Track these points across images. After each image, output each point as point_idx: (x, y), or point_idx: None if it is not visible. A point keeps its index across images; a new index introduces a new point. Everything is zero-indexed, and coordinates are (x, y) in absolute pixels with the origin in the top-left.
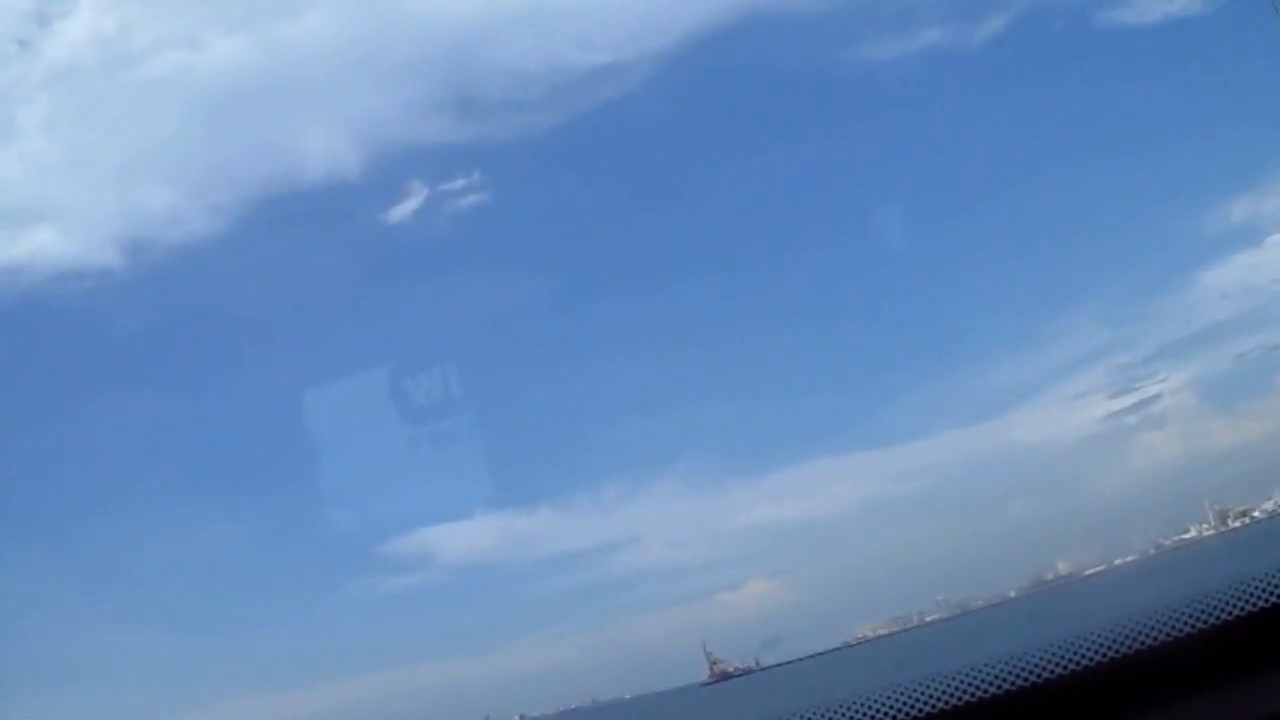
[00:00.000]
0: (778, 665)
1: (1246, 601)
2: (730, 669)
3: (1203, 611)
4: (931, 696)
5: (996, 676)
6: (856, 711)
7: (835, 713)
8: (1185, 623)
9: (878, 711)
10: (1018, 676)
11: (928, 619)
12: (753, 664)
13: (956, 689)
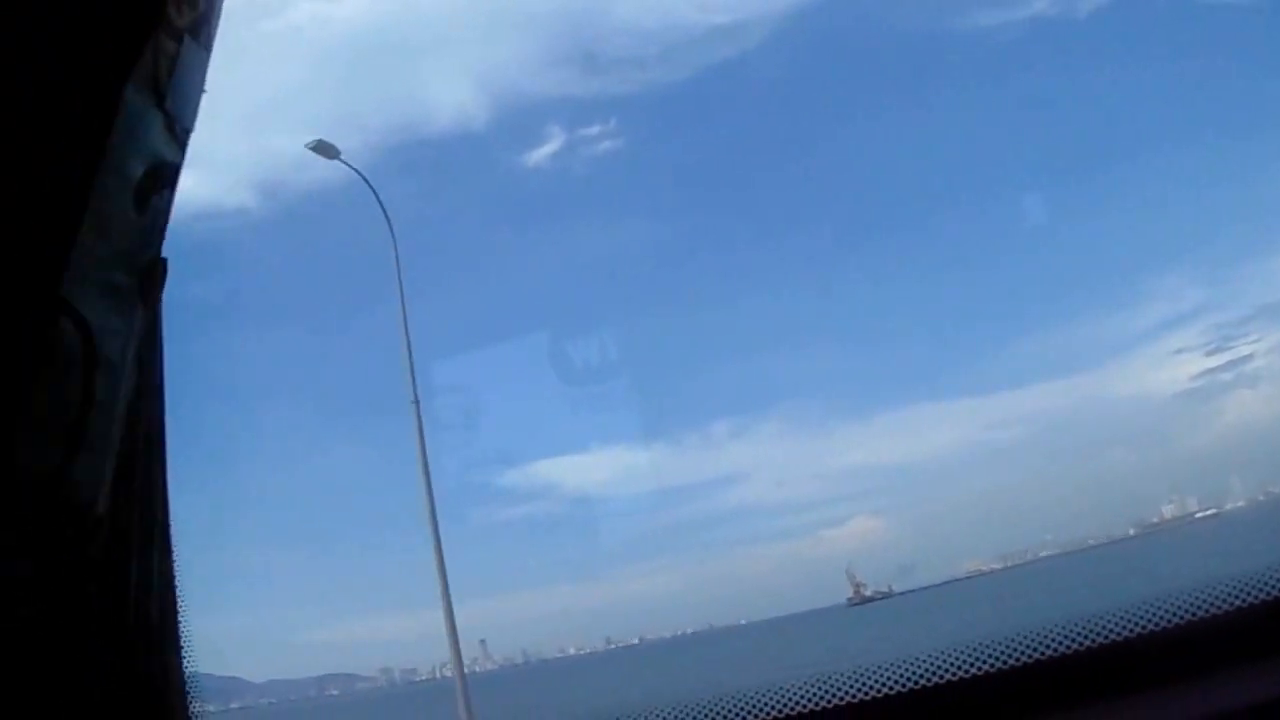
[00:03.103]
0: (908, 592)
1: None
2: (869, 593)
3: None
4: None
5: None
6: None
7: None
8: None
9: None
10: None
11: (1041, 555)
12: (887, 589)
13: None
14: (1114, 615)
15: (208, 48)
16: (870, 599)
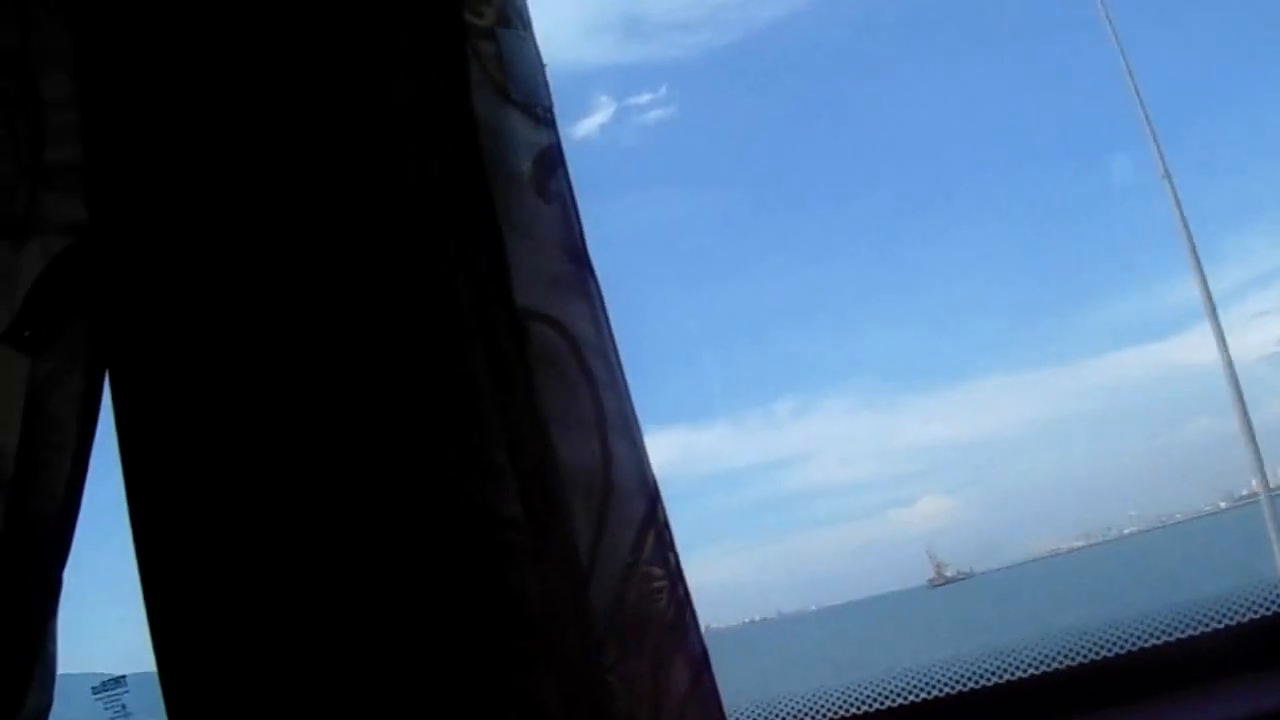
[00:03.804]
0: (990, 572)
1: None
2: (951, 574)
3: None
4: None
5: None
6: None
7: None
8: None
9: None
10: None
11: (1125, 531)
12: (969, 570)
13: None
14: (1209, 602)
15: (526, 27)
16: (952, 580)
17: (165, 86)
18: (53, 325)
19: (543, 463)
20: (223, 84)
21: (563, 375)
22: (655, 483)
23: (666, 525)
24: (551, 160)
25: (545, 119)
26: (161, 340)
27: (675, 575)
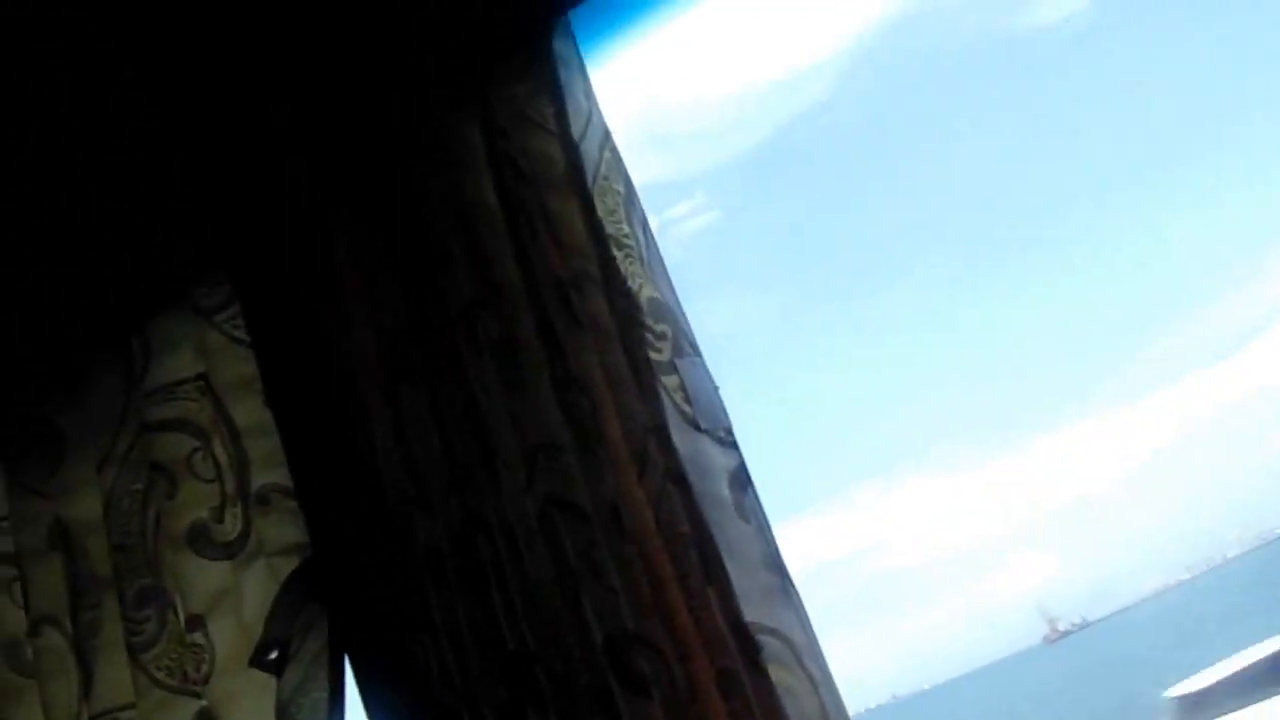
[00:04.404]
0: (1103, 619)
1: None
2: (1064, 627)
3: None
4: None
5: None
6: None
7: None
8: None
9: None
10: None
11: (1229, 555)
12: (1081, 620)
13: None
14: None
15: (697, 353)
16: (1067, 633)
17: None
18: (294, 642)
19: None
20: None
21: (790, 678)
22: None
23: None
24: (742, 480)
25: (729, 441)
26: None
27: None
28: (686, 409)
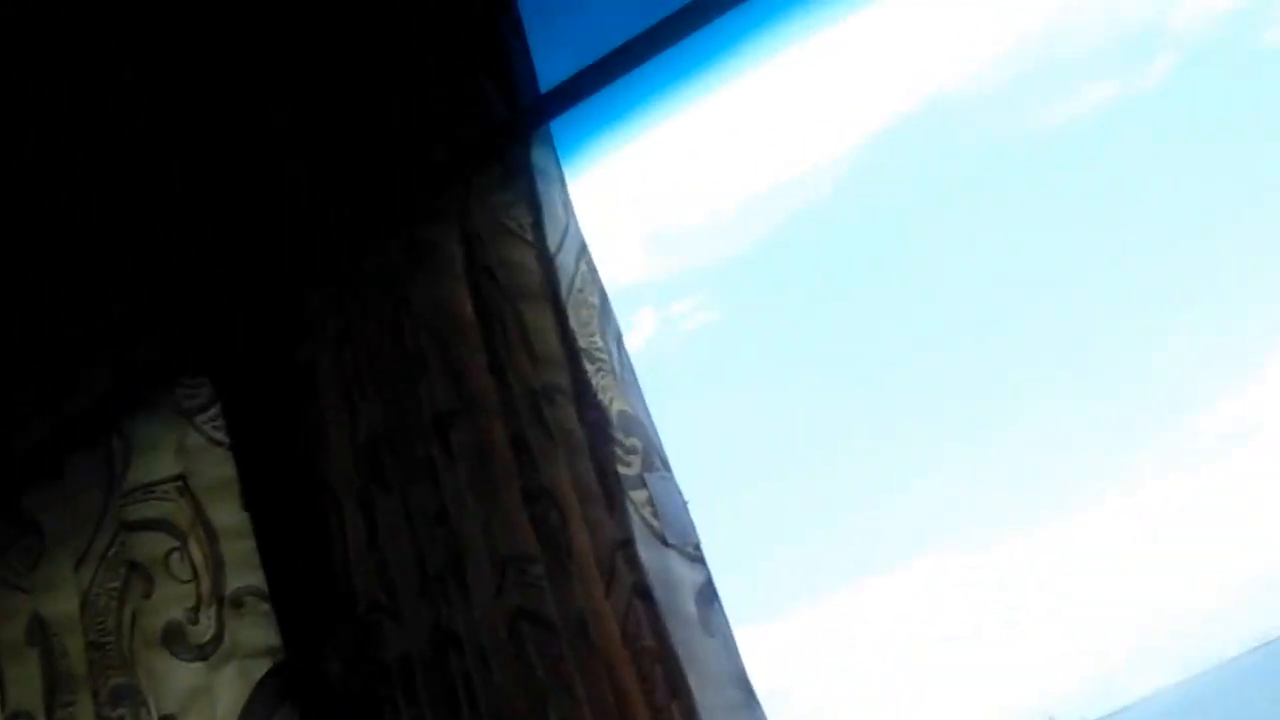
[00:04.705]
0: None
1: None
2: None
3: None
4: None
5: None
6: None
7: None
8: None
9: None
10: None
11: (1228, 655)
12: None
13: None
14: None
15: (667, 468)
16: None
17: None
18: None
19: None
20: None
21: None
22: None
23: None
24: (708, 596)
25: (697, 556)
26: None
27: None
28: (654, 524)
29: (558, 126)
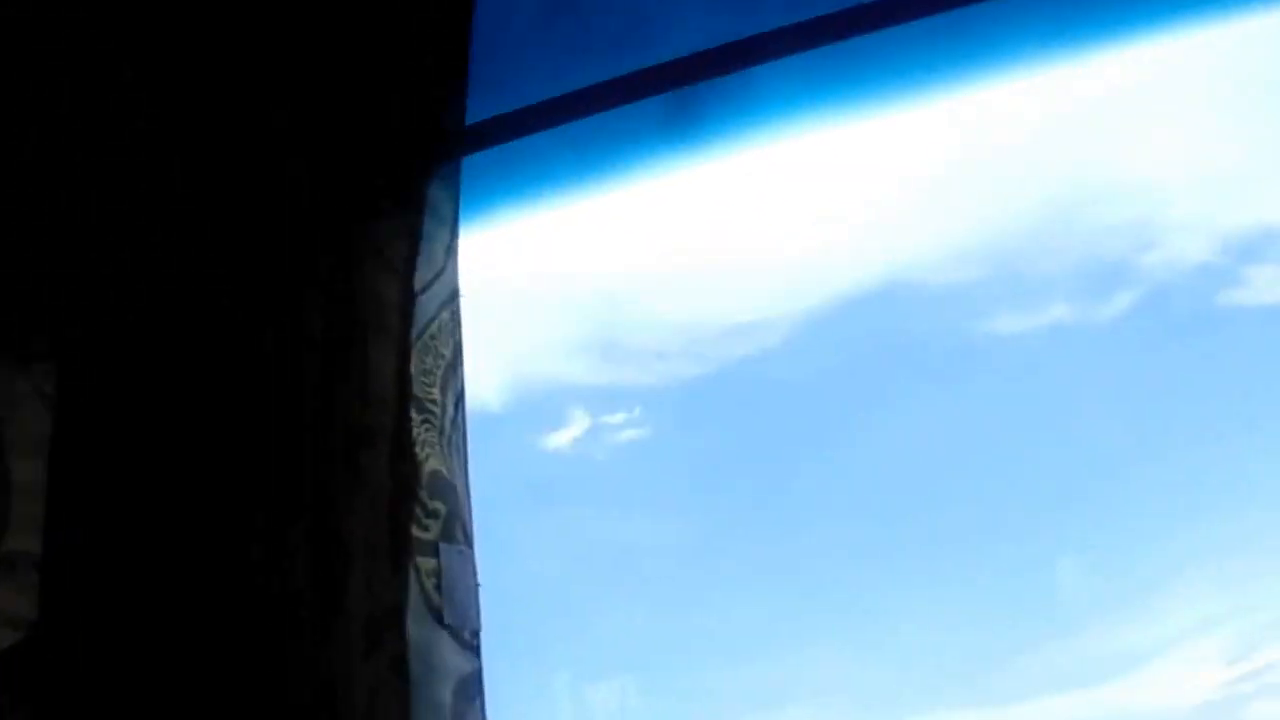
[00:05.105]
0: None
1: None
2: None
3: None
4: None
5: None
6: None
7: None
8: None
9: None
10: None
11: None
12: None
13: None
14: None
15: (469, 544)
16: None
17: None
18: None
19: None
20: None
21: None
22: None
23: None
24: (471, 691)
25: (472, 645)
26: None
27: None
28: (435, 597)
29: (478, 170)
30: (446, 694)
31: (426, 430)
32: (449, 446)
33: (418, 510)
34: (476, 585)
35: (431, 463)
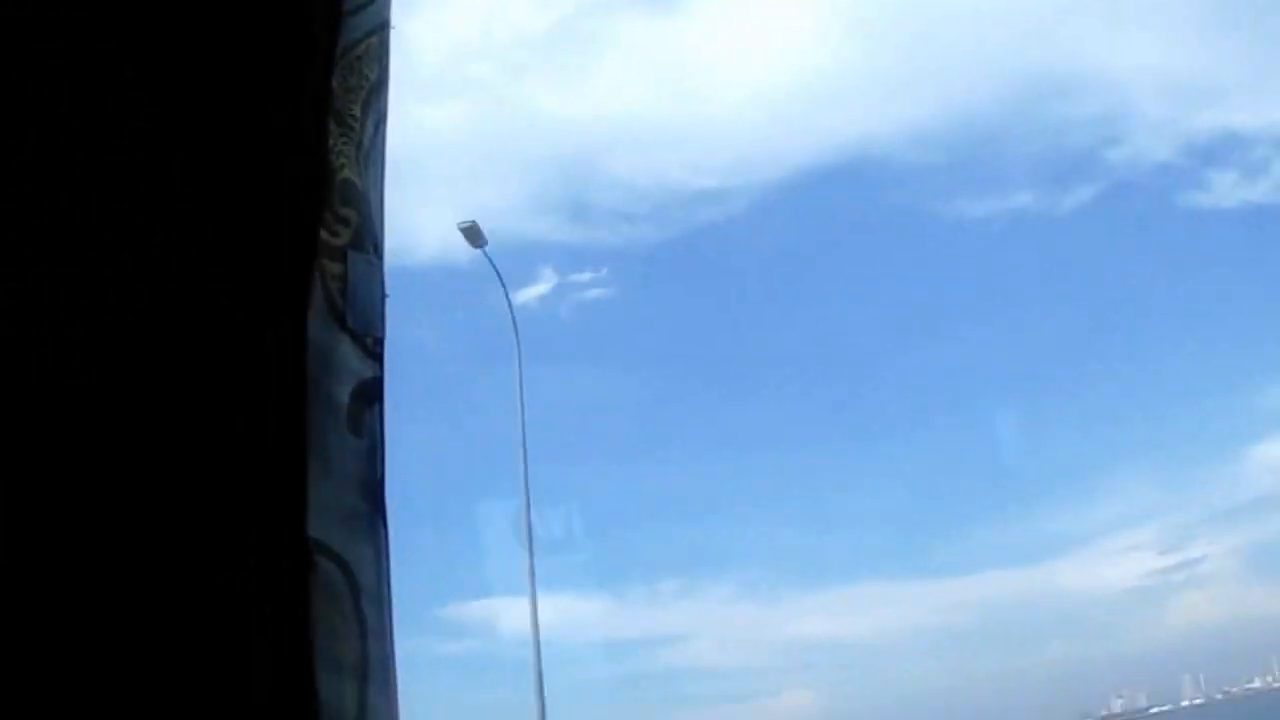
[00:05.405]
0: None
1: None
2: None
3: None
4: None
5: None
6: None
7: None
8: None
9: None
10: None
11: None
12: None
13: None
14: None
15: (378, 254)
16: None
17: None
18: None
19: (304, 701)
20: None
21: (337, 614)
22: None
23: None
24: (370, 395)
25: (375, 351)
26: None
27: None
28: (338, 301)
29: None
30: (344, 394)
31: (344, 143)
32: (365, 162)
33: (327, 215)
34: (383, 296)
35: (345, 172)
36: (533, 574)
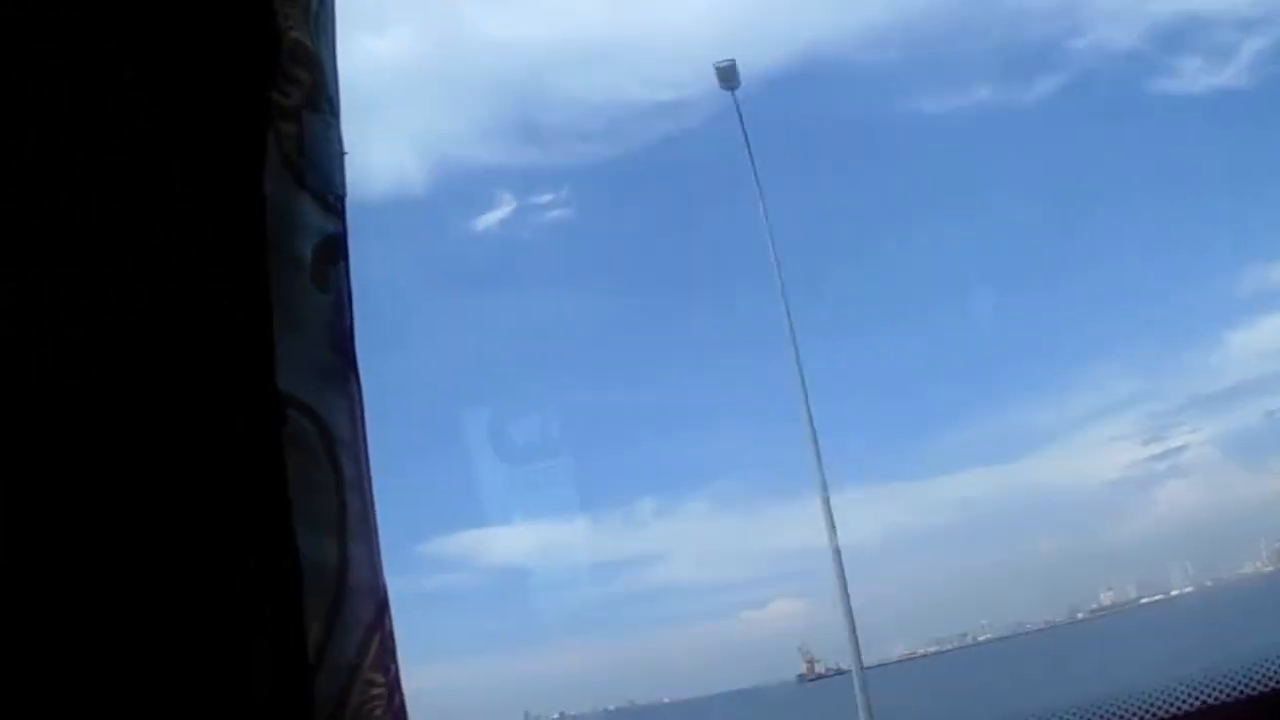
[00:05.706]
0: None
1: None
2: (822, 670)
3: None
4: None
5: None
6: None
7: None
8: None
9: None
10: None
11: (979, 639)
12: (836, 667)
13: None
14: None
15: (334, 113)
16: (822, 676)
17: None
18: None
19: (283, 554)
20: None
21: (312, 467)
22: (386, 590)
23: (391, 634)
24: (334, 250)
25: (335, 207)
26: None
27: (394, 685)
28: (296, 160)
29: None
30: (306, 250)
31: (290, 5)
32: (314, 24)
33: (278, 77)
34: (342, 153)
35: (295, 34)
36: None
